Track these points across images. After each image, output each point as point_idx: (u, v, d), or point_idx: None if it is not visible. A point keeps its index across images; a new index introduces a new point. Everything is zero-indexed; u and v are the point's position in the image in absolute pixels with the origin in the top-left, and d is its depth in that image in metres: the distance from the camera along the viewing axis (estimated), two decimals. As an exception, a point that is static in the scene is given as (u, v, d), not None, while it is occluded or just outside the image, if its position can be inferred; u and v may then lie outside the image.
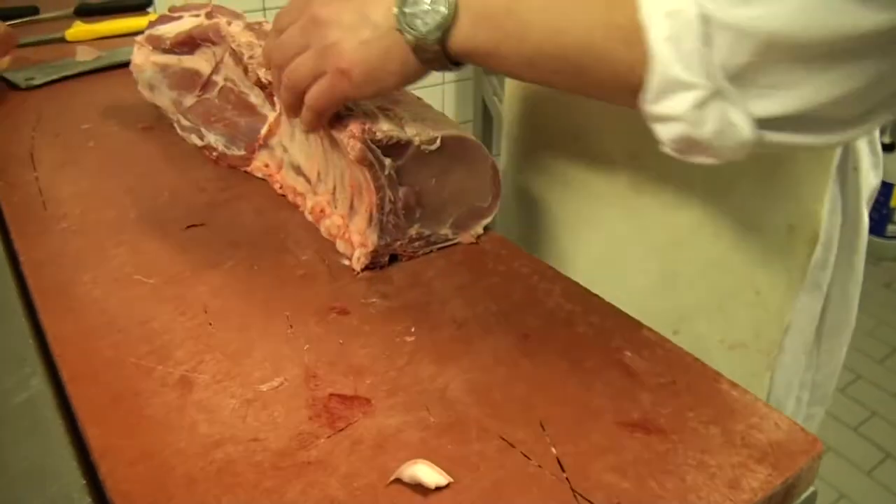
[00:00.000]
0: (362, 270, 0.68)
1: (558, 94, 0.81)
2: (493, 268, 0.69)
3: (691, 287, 0.87)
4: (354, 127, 0.63)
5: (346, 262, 0.69)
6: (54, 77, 1.14)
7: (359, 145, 0.63)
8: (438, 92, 3.09)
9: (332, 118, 0.66)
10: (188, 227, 0.75)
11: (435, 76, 0.65)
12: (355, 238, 0.69)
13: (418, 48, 0.61)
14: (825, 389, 0.99)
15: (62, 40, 1.35)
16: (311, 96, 0.65)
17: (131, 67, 0.95)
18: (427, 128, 0.67)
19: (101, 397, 0.53)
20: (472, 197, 0.72)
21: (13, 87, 1.12)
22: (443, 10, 0.60)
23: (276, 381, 0.54)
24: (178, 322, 0.61)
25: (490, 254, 0.71)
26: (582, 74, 0.59)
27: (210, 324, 0.61)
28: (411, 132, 0.65)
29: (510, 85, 0.96)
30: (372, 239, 0.67)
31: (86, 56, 1.21)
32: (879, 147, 0.87)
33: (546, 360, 0.57)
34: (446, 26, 0.60)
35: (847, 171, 0.83)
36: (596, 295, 0.65)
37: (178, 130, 0.92)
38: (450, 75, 2.92)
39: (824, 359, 0.96)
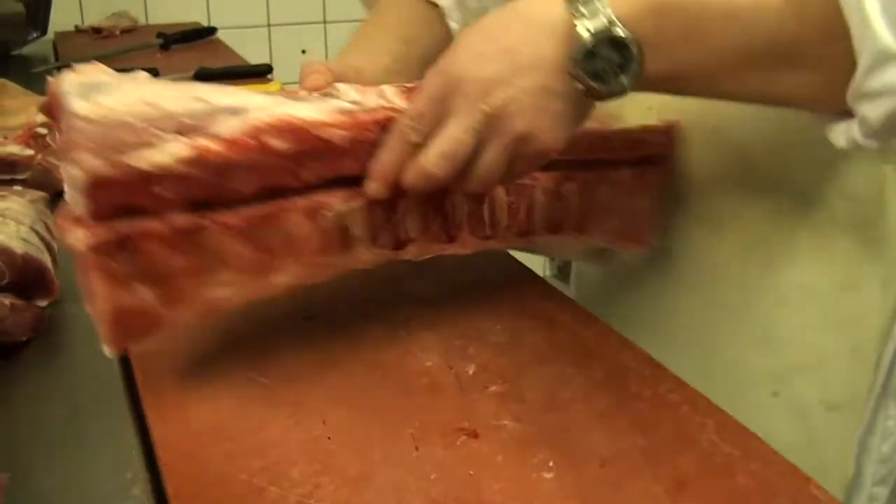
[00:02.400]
0: None
1: None
2: (637, 391, 0.62)
3: (790, 347, 0.84)
4: None
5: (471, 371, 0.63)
6: (173, 143, 1.12)
7: None
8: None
9: None
10: (307, 317, 0.70)
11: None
12: None
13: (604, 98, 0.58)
14: (891, 465, 0.94)
15: (182, 104, 1.34)
16: (501, 180, 0.62)
17: None
18: None
19: (208, 520, 0.48)
20: None
21: (131, 150, 1.11)
22: (630, 65, 0.56)
23: (402, 520, 0.48)
24: (295, 433, 0.56)
25: (633, 372, 0.64)
26: (771, 78, 0.59)
27: (328, 438, 0.55)
28: None
29: None
30: None
31: (205, 122, 1.19)
32: None
33: (707, 518, 0.50)
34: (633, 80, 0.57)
35: None
36: (754, 435, 0.58)
37: None
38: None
39: (890, 426, 0.92)
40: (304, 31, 2.48)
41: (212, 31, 1.99)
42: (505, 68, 0.57)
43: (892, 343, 0.86)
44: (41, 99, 1.19)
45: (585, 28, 0.55)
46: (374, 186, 0.60)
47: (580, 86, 0.57)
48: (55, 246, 0.72)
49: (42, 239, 0.70)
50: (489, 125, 0.58)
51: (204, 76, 1.53)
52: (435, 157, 0.58)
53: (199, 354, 0.64)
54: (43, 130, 0.96)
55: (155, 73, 1.54)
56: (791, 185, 0.80)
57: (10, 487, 0.50)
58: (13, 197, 0.71)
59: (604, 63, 0.56)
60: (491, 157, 0.59)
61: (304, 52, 2.47)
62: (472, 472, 0.53)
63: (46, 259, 0.69)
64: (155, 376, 0.62)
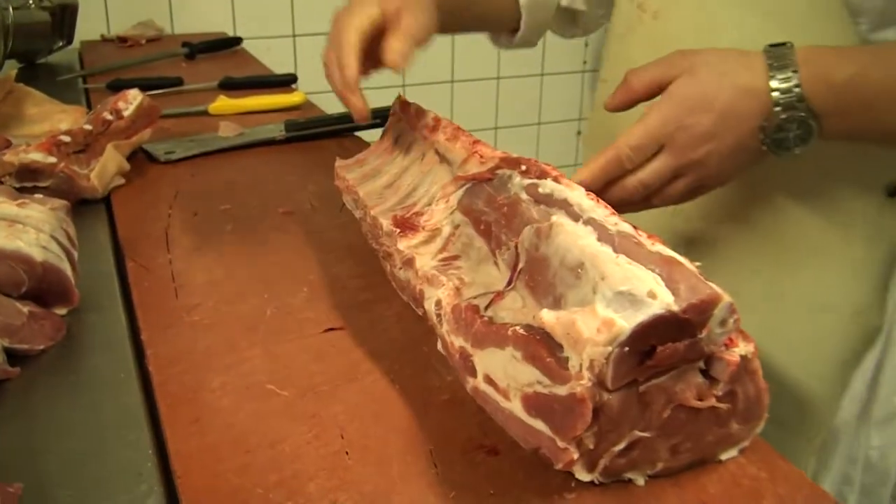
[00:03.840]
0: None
1: None
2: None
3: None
4: None
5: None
6: (195, 152, 1.12)
7: None
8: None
9: None
10: (326, 330, 0.69)
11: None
12: None
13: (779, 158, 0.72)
14: (878, 500, 0.97)
15: (205, 113, 1.34)
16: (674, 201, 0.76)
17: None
18: None
19: (222, 536, 0.47)
20: None
21: (153, 159, 1.10)
22: (809, 139, 0.70)
23: (420, 540, 0.47)
24: (312, 447, 0.55)
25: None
26: None
27: (346, 453, 0.54)
28: None
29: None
30: None
31: (228, 132, 1.19)
32: None
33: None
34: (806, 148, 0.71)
35: None
36: (781, 457, 0.56)
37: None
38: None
39: (874, 456, 0.96)
40: (328, 42, 2.47)
41: (237, 40, 1.99)
42: (714, 126, 0.70)
43: (864, 371, 0.91)
44: (66, 107, 1.20)
45: (779, 106, 0.68)
46: (581, 177, 0.72)
47: (765, 148, 0.71)
48: (75, 254, 0.71)
49: (62, 247, 0.70)
50: (688, 168, 0.72)
51: (228, 85, 1.53)
52: (636, 183, 0.73)
53: (217, 367, 0.64)
54: (66, 138, 0.96)
55: (179, 81, 1.54)
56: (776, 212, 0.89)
57: (23, 497, 0.49)
58: (33, 205, 0.70)
59: (788, 135, 0.70)
60: (678, 189, 0.74)
61: (328, 62, 2.47)
62: (492, 491, 0.51)
63: (66, 267, 0.69)
64: (172, 387, 0.61)
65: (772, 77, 0.68)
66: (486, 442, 0.56)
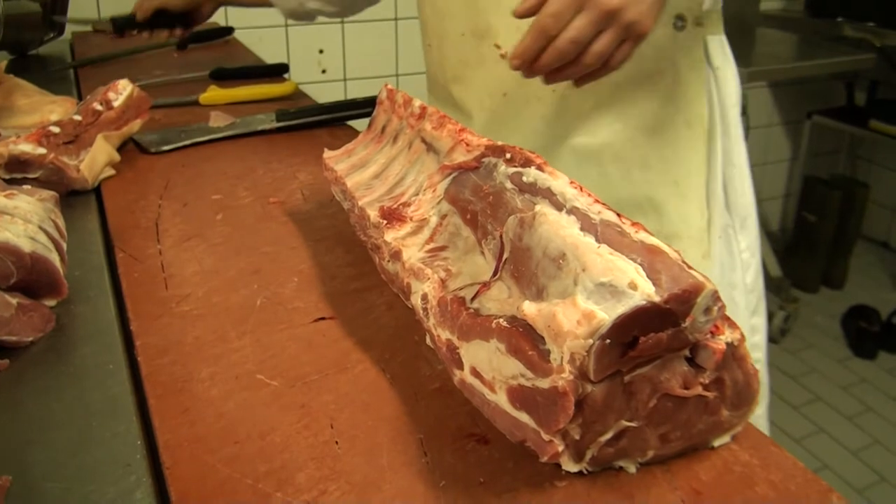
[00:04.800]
0: None
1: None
2: (652, 398, 0.60)
3: (622, 185, 1.11)
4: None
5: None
6: (185, 143, 1.12)
7: None
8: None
9: None
10: (316, 319, 0.69)
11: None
12: None
13: None
14: (758, 293, 1.17)
15: (196, 104, 1.34)
16: (615, 58, 0.85)
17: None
18: None
19: (211, 527, 0.47)
20: None
21: (143, 150, 1.10)
22: None
23: (410, 529, 0.47)
24: (302, 437, 0.54)
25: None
26: None
27: (336, 442, 0.54)
28: None
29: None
30: None
31: (219, 122, 1.18)
32: (729, 52, 1.14)
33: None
34: None
35: (713, 69, 1.11)
36: (774, 443, 0.56)
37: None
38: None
39: (746, 258, 1.14)
40: (320, 31, 2.47)
41: (229, 30, 1.98)
42: None
43: (715, 178, 1.11)
44: (56, 98, 1.20)
45: None
46: (515, 63, 0.85)
47: None
48: (64, 245, 0.71)
49: (51, 238, 0.69)
50: (607, 19, 0.81)
51: (219, 75, 1.52)
52: (566, 41, 0.81)
53: (207, 357, 0.63)
54: (55, 129, 0.95)
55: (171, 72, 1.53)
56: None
57: (11, 490, 0.49)
58: (22, 196, 0.70)
59: None
60: (605, 43, 0.83)
61: (321, 51, 2.46)
62: (482, 480, 0.51)
63: (55, 258, 0.68)
64: (161, 378, 0.61)
65: None
66: (476, 430, 0.56)
